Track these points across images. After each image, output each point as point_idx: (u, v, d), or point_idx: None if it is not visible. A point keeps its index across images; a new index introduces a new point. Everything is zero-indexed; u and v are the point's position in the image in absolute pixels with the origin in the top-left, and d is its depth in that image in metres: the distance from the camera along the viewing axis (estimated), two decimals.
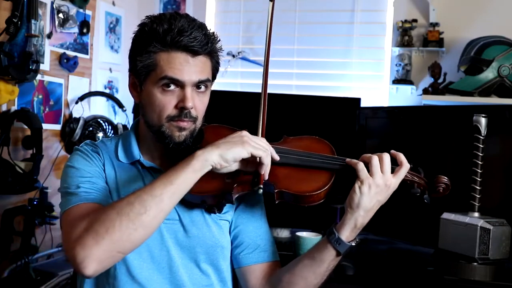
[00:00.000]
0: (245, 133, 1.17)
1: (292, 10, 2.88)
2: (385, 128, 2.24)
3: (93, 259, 1.03)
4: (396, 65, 2.62)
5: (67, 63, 2.54)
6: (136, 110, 2.46)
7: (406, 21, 2.60)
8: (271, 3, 1.30)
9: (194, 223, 1.26)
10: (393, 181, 1.19)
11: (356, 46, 2.80)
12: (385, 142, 2.21)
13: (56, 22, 2.48)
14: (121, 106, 2.76)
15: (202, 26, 1.21)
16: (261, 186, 1.14)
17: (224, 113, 1.74)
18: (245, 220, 1.33)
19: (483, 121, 1.68)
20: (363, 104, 2.37)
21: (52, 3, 2.45)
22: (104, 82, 2.86)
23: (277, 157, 1.20)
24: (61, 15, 2.50)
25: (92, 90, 2.73)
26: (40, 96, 2.42)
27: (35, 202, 2.24)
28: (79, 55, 2.62)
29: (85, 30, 2.63)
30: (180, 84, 1.20)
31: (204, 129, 1.33)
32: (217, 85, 2.91)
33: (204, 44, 1.20)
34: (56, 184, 2.40)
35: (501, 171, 1.80)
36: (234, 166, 1.15)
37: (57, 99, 2.52)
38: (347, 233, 1.20)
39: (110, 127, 2.64)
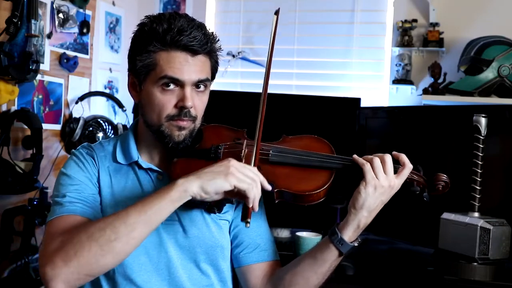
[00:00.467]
0: (233, 162, 1.11)
1: (292, 10, 2.88)
2: (385, 128, 2.24)
3: (61, 279, 1.05)
4: (396, 65, 2.62)
5: (67, 63, 2.54)
6: (136, 110, 2.45)
7: (406, 21, 2.60)
8: (275, 16, 1.29)
9: (194, 223, 1.26)
10: (397, 182, 1.20)
11: (356, 46, 2.80)
12: (385, 142, 2.21)
13: (56, 22, 2.48)
14: (121, 106, 2.76)
15: (201, 26, 1.22)
16: (249, 220, 1.08)
17: (224, 113, 1.74)
18: None
19: (483, 121, 1.68)
20: (363, 104, 2.37)
21: (52, 3, 2.45)
22: (104, 82, 2.86)
23: (268, 187, 1.14)
24: (61, 15, 2.50)
25: (92, 90, 2.73)
26: (40, 96, 2.42)
27: (35, 202, 2.24)
28: (79, 55, 2.62)
29: (85, 30, 2.63)
30: (180, 84, 1.20)
31: (203, 129, 1.33)
32: (217, 85, 2.94)
33: (204, 44, 1.20)
34: None
35: (501, 171, 1.80)
36: (218, 197, 1.11)
37: (57, 99, 2.52)
38: (350, 234, 1.21)
39: (110, 127, 2.64)
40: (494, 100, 2.32)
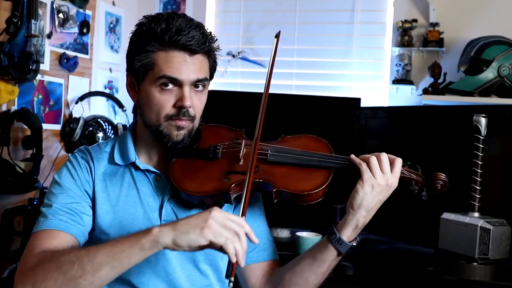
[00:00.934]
0: (213, 213, 1.02)
1: (292, 10, 2.88)
2: (385, 128, 2.24)
3: None
4: (396, 65, 2.62)
5: (67, 63, 2.54)
6: (136, 110, 2.45)
7: (406, 21, 2.60)
8: (276, 39, 1.28)
9: None
10: (393, 180, 1.19)
11: (356, 46, 2.80)
12: (385, 142, 2.21)
13: (56, 22, 2.48)
14: (121, 106, 2.76)
15: (199, 26, 1.22)
16: (232, 279, 1.01)
17: (224, 113, 1.74)
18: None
19: (483, 121, 1.68)
20: (363, 104, 2.37)
21: (52, 3, 2.45)
22: (104, 82, 2.86)
23: (255, 240, 1.05)
24: (61, 15, 2.50)
25: (92, 90, 2.73)
26: (40, 96, 2.42)
27: (35, 202, 2.24)
28: (79, 55, 2.62)
29: (85, 30, 2.63)
30: (178, 83, 1.20)
31: (202, 129, 1.33)
32: (217, 85, 2.94)
33: (202, 43, 1.20)
34: None
35: (501, 171, 1.80)
36: (196, 249, 1.04)
37: (57, 99, 2.52)
38: (349, 233, 1.21)
39: (110, 127, 2.64)
40: (494, 100, 2.32)
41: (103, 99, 2.79)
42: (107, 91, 2.86)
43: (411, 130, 2.10)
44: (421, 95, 2.50)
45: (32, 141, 2.25)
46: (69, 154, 1.32)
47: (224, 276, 1.30)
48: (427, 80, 2.60)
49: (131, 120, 2.74)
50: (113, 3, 2.90)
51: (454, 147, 1.93)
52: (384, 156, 1.20)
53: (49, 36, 2.44)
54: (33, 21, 2.13)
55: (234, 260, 1.00)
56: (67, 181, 1.25)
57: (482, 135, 1.68)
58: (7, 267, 2.24)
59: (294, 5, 2.88)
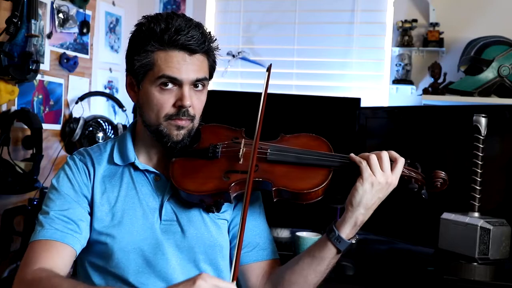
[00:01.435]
0: (199, 282, 0.98)
1: (292, 10, 2.88)
2: (385, 128, 2.24)
3: None
4: (396, 65, 2.62)
5: (67, 63, 2.54)
6: (136, 110, 2.45)
7: (406, 21, 2.60)
8: (267, 73, 1.27)
9: (192, 223, 1.26)
10: (393, 178, 1.20)
11: (356, 46, 2.80)
12: (385, 142, 2.21)
13: (56, 22, 2.48)
14: (121, 106, 2.76)
15: (198, 25, 1.22)
16: None
17: (224, 113, 1.74)
18: None
19: (483, 121, 1.68)
20: (363, 104, 2.37)
21: (52, 3, 2.45)
22: (104, 82, 2.86)
23: None
24: (61, 15, 2.50)
25: (92, 90, 2.73)
26: (40, 96, 2.42)
27: (35, 202, 2.24)
28: (79, 55, 2.62)
29: (85, 30, 2.63)
30: (178, 83, 1.20)
31: (201, 129, 1.33)
32: (217, 85, 2.94)
33: (201, 43, 1.20)
34: None
35: (501, 171, 1.80)
36: None
37: (57, 99, 2.52)
38: (348, 231, 1.21)
39: (110, 127, 2.64)
40: (494, 100, 2.32)
41: (103, 99, 2.79)
42: (107, 91, 2.86)
43: (411, 130, 2.10)
44: (421, 95, 2.50)
45: (32, 141, 2.26)
46: (68, 157, 1.32)
47: (223, 275, 1.31)
48: (427, 80, 2.60)
49: (131, 120, 2.75)
50: (113, 3, 2.90)
51: (454, 147, 1.93)
52: (385, 155, 1.21)
53: (49, 36, 2.44)
54: (33, 21, 2.13)
55: None
56: (65, 186, 1.25)
57: (482, 135, 1.67)
58: (7, 267, 2.24)
59: (294, 5, 2.88)
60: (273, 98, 2.35)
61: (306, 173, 1.23)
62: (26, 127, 2.27)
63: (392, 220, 1.97)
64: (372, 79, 2.78)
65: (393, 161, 1.21)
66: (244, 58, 2.94)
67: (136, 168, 1.29)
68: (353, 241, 1.22)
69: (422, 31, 2.63)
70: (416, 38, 2.63)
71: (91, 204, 1.25)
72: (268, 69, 1.27)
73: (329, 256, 1.22)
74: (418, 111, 2.20)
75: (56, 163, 2.46)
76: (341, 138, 2.17)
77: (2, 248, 2.19)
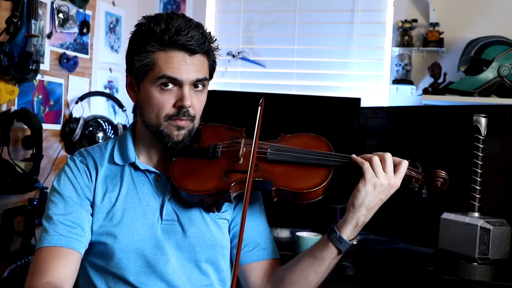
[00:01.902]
0: None
1: (292, 10, 2.88)
2: (385, 128, 2.24)
3: None
4: (396, 65, 2.62)
5: (67, 63, 2.54)
6: (136, 110, 2.45)
7: (406, 21, 2.60)
8: (259, 107, 1.25)
9: (193, 222, 1.26)
10: (396, 180, 1.20)
11: (356, 46, 2.80)
12: (385, 142, 2.21)
13: (56, 22, 2.48)
14: (121, 106, 2.76)
15: (198, 26, 1.22)
16: None
17: (224, 113, 1.74)
18: None
19: (483, 121, 1.68)
20: (363, 104, 2.37)
21: (52, 3, 2.45)
22: (104, 82, 2.86)
23: None
24: (61, 15, 2.50)
25: (92, 90, 2.73)
26: (40, 96, 2.42)
27: (35, 202, 2.24)
28: (79, 55, 2.62)
29: (85, 30, 2.63)
30: (178, 83, 1.21)
31: (201, 129, 1.33)
32: (217, 85, 2.94)
33: (202, 43, 1.20)
34: None
35: (501, 171, 1.80)
36: None
37: (57, 99, 2.52)
38: (349, 232, 1.21)
39: (110, 127, 2.64)
40: (494, 100, 2.32)
41: (103, 99, 2.79)
42: (107, 91, 2.86)
43: (411, 130, 2.10)
44: (421, 95, 2.50)
45: (32, 141, 2.25)
46: (68, 158, 1.31)
47: (223, 275, 1.31)
48: (427, 80, 2.60)
49: (131, 120, 2.74)
50: (113, 3, 2.90)
51: (454, 147, 1.93)
52: (388, 156, 1.21)
53: (49, 36, 2.44)
54: (33, 21, 2.13)
55: None
56: (67, 189, 1.25)
57: (482, 135, 1.68)
58: (7, 267, 2.24)
59: (294, 5, 2.87)
60: (273, 98, 2.36)
61: (306, 173, 1.23)
62: (26, 127, 2.27)
63: (392, 220, 1.97)
64: (372, 79, 2.78)
65: (396, 163, 1.21)
66: (244, 58, 2.93)
67: (136, 168, 1.29)
68: (354, 242, 1.22)
69: (422, 31, 2.63)
70: (416, 38, 2.63)
71: (93, 205, 1.25)
72: (261, 104, 1.26)
73: (330, 256, 1.22)
74: (418, 111, 2.20)
75: (56, 163, 2.46)
76: (341, 138, 2.17)
77: (2, 248, 2.19)
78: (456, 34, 2.56)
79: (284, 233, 2.32)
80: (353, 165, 1.23)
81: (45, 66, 2.42)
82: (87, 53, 2.69)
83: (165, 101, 1.21)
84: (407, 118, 2.15)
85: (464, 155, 1.75)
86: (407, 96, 2.66)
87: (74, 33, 2.59)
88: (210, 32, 1.25)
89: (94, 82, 2.76)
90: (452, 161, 1.93)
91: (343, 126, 2.29)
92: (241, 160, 1.25)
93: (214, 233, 1.28)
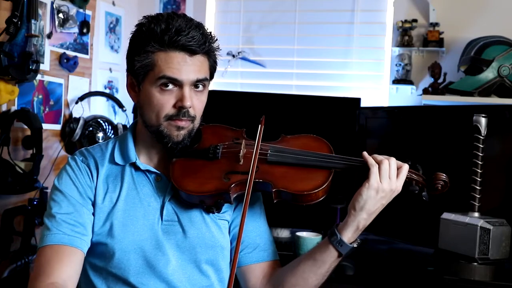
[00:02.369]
0: None
1: (292, 10, 2.88)
2: (385, 128, 2.24)
3: None
4: (396, 65, 2.62)
5: (67, 63, 2.54)
6: (136, 110, 2.45)
7: (406, 21, 2.60)
8: (260, 125, 1.25)
9: (193, 223, 1.26)
10: (398, 185, 1.20)
11: (356, 46, 2.80)
12: (385, 142, 2.21)
13: (56, 22, 2.48)
14: (121, 106, 2.76)
15: (199, 26, 1.22)
16: None
17: (224, 113, 1.74)
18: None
19: (483, 121, 1.68)
20: (363, 104, 2.37)
21: (52, 3, 2.45)
22: (104, 82, 2.86)
23: None
24: (61, 15, 2.50)
25: (92, 90, 2.73)
26: (40, 96, 2.42)
27: (35, 202, 2.24)
28: (79, 55, 2.62)
29: (85, 30, 2.63)
30: (178, 84, 1.20)
31: (202, 129, 1.33)
32: (217, 85, 2.94)
33: (202, 44, 1.20)
34: None
35: (501, 171, 1.80)
36: None
37: (57, 99, 2.52)
38: (349, 235, 1.21)
39: (110, 127, 2.64)
40: (494, 100, 2.32)
41: (103, 99, 2.79)
42: (107, 91, 2.86)
43: (411, 130, 2.10)
44: (421, 95, 2.50)
45: (32, 141, 2.25)
46: (69, 157, 1.31)
47: (223, 276, 1.31)
48: (427, 80, 2.60)
49: (131, 120, 2.74)
50: (113, 3, 2.89)
51: (454, 147, 1.93)
52: (393, 161, 1.20)
53: (49, 36, 2.44)
54: (33, 21, 2.13)
55: None
56: (68, 188, 1.24)
57: (482, 135, 1.67)
58: (7, 267, 2.24)
59: (294, 5, 2.87)
60: (273, 98, 2.36)
61: (307, 175, 1.23)
62: (26, 127, 2.27)
63: (392, 220, 1.97)
64: (372, 79, 2.78)
65: (398, 167, 1.21)
66: (244, 58, 2.93)
67: (137, 168, 1.29)
68: (355, 245, 1.22)
69: (422, 31, 2.63)
70: (416, 38, 2.63)
71: (94, 204, 1.25)
72: (261, 122, 1.25)
73: (331, 259, 1.22)
74: (418, 111, 2.20)
75: (56, 163, 2.46)
76: (341, 138, 2.17)
77: (2, 248, 2.19)
78: (456, 34, 2.56)
79: (284, 233, 2.32)
80: (355, 168, 1.23)
81: (45, 66, 2.42)
82: (87, 53, 2.69)
83: (165, 101, 1.21)
84: (407, 118, 2.15)
85: (464, 155, 1.75)
86: (407, 96, 2.66)
87: (74, 33, 2.59)
88: (211, 32, 1.25)
89: (94, 82, 2.76)
90: (452, 161, 1.93)
91: (343, 126, 2.29)
92: (242, 161, 1.25)
93: (215, 234, 1.28)
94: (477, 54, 2.32)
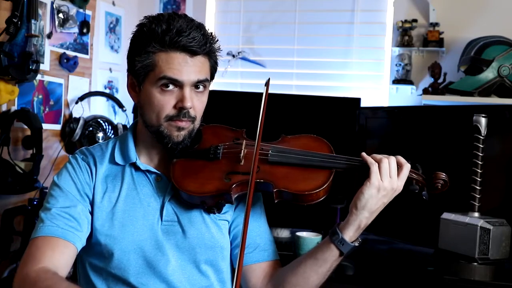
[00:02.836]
0: None
1: (292, 10, 2.88)
2: (385, 128, 2.24)
3: None
4: (396, 65, 2.62)
5: (67, 63, 2.54)
6: (136, 110, 2.46)
7: (406, 21, 2.60)
8: (265, 87, 1.26)
9: (193, 223, 1.26)
10: (399, 184, 1.20)
11: (356, 46, 2.80)
12: (385, 142, 2.21)
13: (56, 22, 2.48)
14: (121, 106, 2.76)
15: (200, 27, 1.22)
16: None
17: (224, 113, 1.74)
18: None
19: (483, 121, 1.68)
20: (363, 104, 2.37)
21: (52, 3, 2.45)
22: (104, 82, 2.86)
23: None
24: (61, 15, 2.50)
25: (92, 90, 2.73)
26: (40, 96, 2.42)
27: (35, 202, 2.24)
28: (79, 55, 2.62)
29: (85, 30, 2.63)
30: (179, 84, 1.20)
31: (202, 129, 1.33)
32: (217, 85, 2.95)
33: (203, 44, 1.20)
34: None
35: (501, 171, 1.80)
36: None
37: (57, 99, 2.52)
38: (351, 234, 1.21)
39: (110, 127, 2.64)
40: (494, 100, 2.32)
41: (103, 99, 2.79)
42: (107, 91, 2.86)
43: (411, 130, 2.10)
44: (421, 95, 2.50)
45: (32, 141, 2.25)
46: (70, 156, 1.32)
47: (223, 276, 1.31)
48: (427, 80, 2.60)
49: (131, 120, 2.75)
50: (113, 3, 2.90)
51: (454, 147, 1.93)
52: (393, 160, 1.21)
53: (49, 36, 2.44)
54: (33, 21, 2.13)
55: None
56: (67, 184, 1.24)
57: (482, 135, 1.68)
58: (7, 267, 2.24)
59: (294, 5, 2.88)
60: (273, 98, 2.35)
61: (308, 175, 1.23)
62: (26, 127, 2.27)
63: (392, 220, 1.97)
64: (372, 79, 2.78)
65: (399, 167, 1.21)
66: (244, 58, 2.94)
67: (137, 168, 1.29)
68: (356, 244, 1.22)
69: (422, 31, 2.63)
70: (416, 38, 2.64)
71: (92, 203, 1.25)
72: (267, 84, 1.26)
73: (332, 258, 1.22)
74: (418, 111, 2.20)
75: (56, 163, 2.46)
76: (341, 138, 2.17)
77: (2, 248, 2.19)
78: (456, 34, 2.56)
79: (284, 233, 2.32)
80: (355, 168, 1.23)
81: (45, 66, 2.42)
82: (87, 53, 2.69)
83: (166, 102, 1.21)
84: (407, 118, 2.15)
85: (464, 155, 1.75)
86: (407, 96, 2.66)
87: (74, 33, 2.59)
88: (211, 33, 1.25)
89: (94, 82, 2.76)
90: (452, 161, 1.93)
91: (343, 126, 2.29)
92: (242, 161, 1.25)
93: (214, 234, 1.28)
94: (477, 54, 2.33)
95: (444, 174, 1.25)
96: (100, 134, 2.58)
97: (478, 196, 1.67)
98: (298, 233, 1.94)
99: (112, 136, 2.62)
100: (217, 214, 1.28)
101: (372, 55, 2.78)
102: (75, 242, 1.19)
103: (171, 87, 1.21)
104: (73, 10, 2.57)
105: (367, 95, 2.68)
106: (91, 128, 2.56)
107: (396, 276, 1.87)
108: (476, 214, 1.67)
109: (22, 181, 2.17)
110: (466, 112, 1.76)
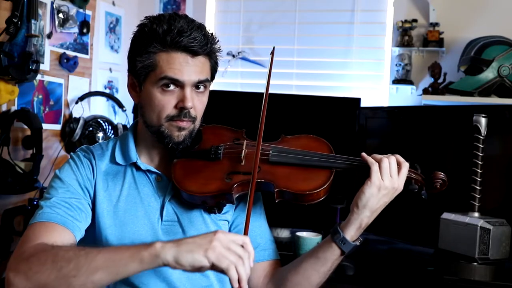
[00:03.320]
0: (218, 235, 1.00)
1: (292, 10, 2.88)
2: (385, 128, 2.24)
3: None
4: (396, 65, 2.62)
5: (67, 63, 2.54)
6: (136, 110, 2.46)
7: (406, 21, 2.60)
8: (271, 55, 1.28)
9: (193, 223, 1.26)
10: (399, 183, 1.20)
11: (356, 46, 2.80)
12: (385, 142, 2.21)
13: (56, 22, 2.48)
14: (121, 106, 2.76)
15: (201, 27, 1.22)
16: None
17: (224, 113, 1.74)
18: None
19: (483, 121, 1.68)
20: (363, 104, 2.37)
21: (52, 3, 2.45)
22: (104, 82, 2.86)
23: (248, 271, 0.99)
24: (61, 15, 2.50)
25: (92, 90, 2.73)
26: (40, 96, 2.42)
27: (35, 202, 2.24)
28: (79, 55, 2.62)
29: (85, 30, 2.63)
30: (180, 84, 1.21)
31: (202, 130, 1.34)
32: (217, 85, 2.94)
33: (204, 45, 1.20)
34: None
35: (501, 171, 1.80)
36: (197, 271, 1.00)
37: (57, 99, 2.52)
38: (352, 233, 1.22)
39: (110, 127, 2.64)
40: (494, 100, 2.32)
41: (103, 99, 2.79)
42: (107, 91, 2.86)
43: (411, 130, 2.10)
44: (421, 95, 2.50)
45: (32, 141, 2.25)
46: (71, 153, 1.32)
47: (223, 276, 1.30)
48: (427, 80, 2.60)
49: (131, 120, 2.74)
50: (113, 3, 2.89)
51: (454, 147, 1.93)
52: (393, 160, 1.21)
53: (49, 36, 2.44)
54: (33, 21, 2.13)
55: (236, 285, 0.97)
56: (68, 177, 1.25)
57: (482, 135, 1.68)
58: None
59: (294, 5, 2.88)
60: (273, 98, 2.35)
61: (308, 175, 1.24)
62: (26, 127, 2.27)
63: (392, 220, 1.97)
64: (372, 79, 2.78)
65: (398, 166, 1.22)
66: (244, 58, 2.93)
67: (138, 168, 1.29)
68: (358, 243, 1.23)
69: (422, 31, 2.63)
70: (416, 38, 2.63)
71: (93, 199, 1.25)
72: (272, 52, 1.28)
73: (333, 257, 1.23)
74: (418, 111, 2.20)
75: (56, 163, 2.46)
76: (341, 138, 2.17)
77: (2, 248, 2.19)
78: (456, 34, 2.56)
79: (284, 233, 2.32)
80: (355, 167, 1.23)
81: (45, 66, 2.42)
82: (87, 53, 2.69)
83: (166, 102, 1.21)
84: (407, 118, 2.15)
85: (464, 155, 1.75)
86: (407, 96, 2.66)
87: (74, 33, 2.59)
88: (212, 33, 1.25)
89: (94, 82, 2.76)
90: (452, 161, 1.93)
91: (343, 126, 2.29)
92: (243, 161, 1.26)
93: None
94: (477, 54, 2.33)
95: (442, 173, 1.25)
96: (100, 134, 2.58)
97: (478, 196, 1.67)
98: (298, 233, 1.94)
99: (112, 136, 2.62)
100: (217, 214, 1.28)
101: (372, 55, 2.78)
102: (74, 230, 1.18)
103: (172, 87, 1.21)
104: (73, 10, 2.57)
105: (367, 95, 2.68)
106: (91, 128, 2.56)
107: (396, 276, 1.87)
108: (476, 214, 1.67)
109: (22, 181, 2.17)
110: (466, 112, 1.76)
